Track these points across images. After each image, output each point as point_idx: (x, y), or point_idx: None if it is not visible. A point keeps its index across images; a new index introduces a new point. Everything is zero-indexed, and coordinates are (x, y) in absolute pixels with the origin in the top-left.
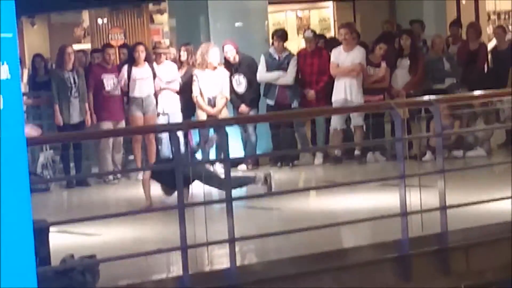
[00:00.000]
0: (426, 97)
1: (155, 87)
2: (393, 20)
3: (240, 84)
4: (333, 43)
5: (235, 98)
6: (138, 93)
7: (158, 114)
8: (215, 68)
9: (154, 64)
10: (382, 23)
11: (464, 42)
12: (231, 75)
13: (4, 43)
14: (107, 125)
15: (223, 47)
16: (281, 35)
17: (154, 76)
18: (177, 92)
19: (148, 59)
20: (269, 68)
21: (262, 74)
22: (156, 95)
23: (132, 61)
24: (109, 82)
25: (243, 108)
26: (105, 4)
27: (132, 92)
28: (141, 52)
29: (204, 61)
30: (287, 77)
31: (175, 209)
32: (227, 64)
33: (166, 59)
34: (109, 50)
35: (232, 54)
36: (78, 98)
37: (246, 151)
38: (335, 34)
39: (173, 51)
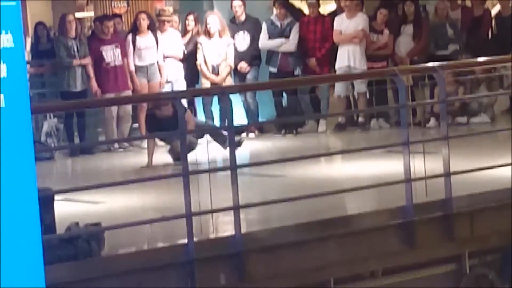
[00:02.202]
0: (430, 64)
1: (158, 55)
2: None
3: (244, 41)
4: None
5: (236, 56)
6: (142, 61)
7: (161, 84)
8: (213, 35)
9: (158, 32)
10: None
11: (468, 8)
12: (236, 32)
13: (8, 12)
14: (110, 96)
15: (231, 3)
16: (283, 2)
17: (157, 45)
18: (181, 60)
19: (151, 27)
20: (271, 36)
21: (264, 42)
22: (159, 63)
23: (135, 29)
24: (109, 53)
25: (242, 64)
26: None
27: (136, 60)
28: (142, 21)
29: (206, 28)
30: (289, 44)
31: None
32: (234, 21)
33: (170, 27)
34: (107, 22)
35: (240, 9)
36: (81, 66)
37: (248, 118)
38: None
39: (175, 18)
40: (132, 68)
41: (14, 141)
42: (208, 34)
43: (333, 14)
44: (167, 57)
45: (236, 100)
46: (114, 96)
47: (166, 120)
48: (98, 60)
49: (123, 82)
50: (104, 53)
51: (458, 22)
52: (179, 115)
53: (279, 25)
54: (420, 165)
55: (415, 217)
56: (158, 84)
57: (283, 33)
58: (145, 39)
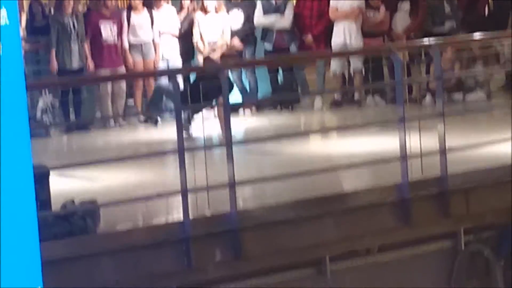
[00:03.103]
0: (426, 40)
1: (153, 32)
2: None
3: (238, 19)
4: None
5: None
6: (136, 38)
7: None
8: (209, 11)
9: (154, 8)
10: None
11: None
12: (230, 9)
13: None
14: (105, 72)
15: None
16: None
17: (153, 22)
18: (177, 37)
19: (147, 4)
20: (266, 12)
21: (259, 19)
22: (154, 41)
23: (130, 6)
24: (107, 29)
25: (236, 42)
26: None
27: (130, 38)
28: None
29: (203, 5)
30: (284, 20)
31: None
32: None
33: (166, 2)
34: None
35: None
36: (78, 43)
37: (245, 96)
38: None
39: None
40: (126, 45)
41: (9, 118)
42: (204, 10)
43: None
44: (162, 33)
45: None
46: (109, 72)
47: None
48: (96, 35)
49: (118, 58)
50: (102, 28)
51: None
52: (174, 92)
53: (274, 1)
54: (415, 142)
55: (410, 195)
56: (153, 62)
57: (278, 10)
58: (139, 17)
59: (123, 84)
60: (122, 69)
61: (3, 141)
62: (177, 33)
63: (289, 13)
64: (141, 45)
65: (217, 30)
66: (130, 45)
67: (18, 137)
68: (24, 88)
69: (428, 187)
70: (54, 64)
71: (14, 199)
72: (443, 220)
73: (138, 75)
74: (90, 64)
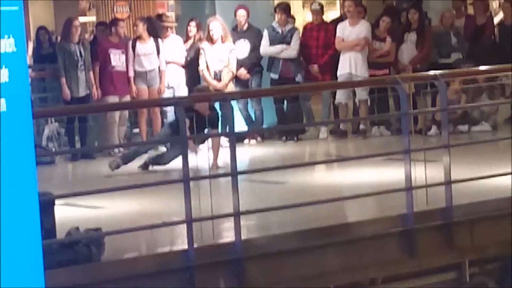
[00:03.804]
0: (431, 72)
1: (160, 61)
2: None
3: (244, 48)
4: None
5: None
6: (141, 67)
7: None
8: (215, 41)
9: (161, 38)
10: None
11: (471, 16)
12: (237, 40)
13: (10, 16)
14: (113, 99)
15: (235, 12)
16: (284, 8)
17: (158, 51)
18: (183, 66)
19: (153, 33)
20: (272, 42)
21: (265, 48)
22: (160, 69)
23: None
24: (116, 57)
25: (242, 71)
26: None
27: (135, 66)
28: (138, 27)
29: (209, 34)
30: (290, 50)
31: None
32: (235, 29)
33: (172, 32)
34: (120, 23)
35: (243, 19)
36: (84, 71)
37: (250, 125)
38: (341, 9)
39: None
40: (131, 74)
41: (15, 146)
42: (210, 40)
43: (336, 21)
44: (169, 62)
45: (235, 108)
46: (118, 99)
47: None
48: (105, 61)
49: (125, 86)
50: (112, 56)
51: (461, 31)
52: (180, 121)
53: (280, 31)
54: (421, 173)
55: (415, 225)
56: (157, 90)
57: (284, 40)
58: (144, 45)
59: (126, 112)
60: (127, 98)
61: (9, 168)
62: (183, 62)
63: (295, 43)
64: (146, 72)
65: (223, 60)
66: (135, 73)
67: (24, 165)
68: (30, 116)
69: (433, 218)
70: (67, 92)
71: (19, 226)
72: (448, 252)
73: (143, 103)
74: (96, 92)
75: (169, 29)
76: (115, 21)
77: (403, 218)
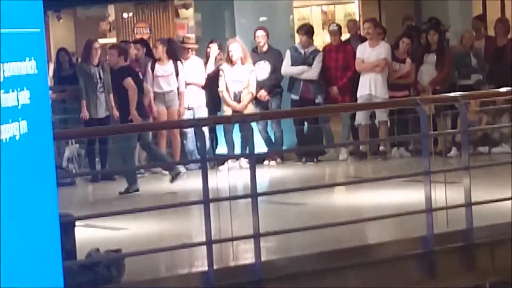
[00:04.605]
0: (452, 94)
1: (178, 82)
2: (414, 16)
3: (264, 70)
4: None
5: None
6: (159, 88)
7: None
8: (235, 62)
9: (181, 59)
10: (402, 19)
11: (491, 37)
12: (257, 61)
13: (32, 38)
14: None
15: (254, 33)
16: (307, 30)
17: (177, 73)
18: (203, 87)
19: (172, 55)
20: (294, 63)
21: (287, 68)
22: (179, 90)
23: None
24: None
25: (262, 93)
26: None
27: (154, 87)
28: (159, 49)
29: (229, 56)
30: (312, 72)
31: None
32: (255, 50)
33: (193, 54)
34: (132, 46)
35: (263, 40)
36: (104, 93)
37: (270, 147)
38: (360, 30)
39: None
40: (151, 95)
41: (36, 167)
42: (230, 61)
43: (347, 42)
44: (189, 84)
45: (255, 129)
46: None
47: None
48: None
49: (145, 108)
50: None
51: (482, 52)
52: (200, 142)
53: (302, 52)
54: (441, 194)
55: (435, 247)
56: (176, 111)
57: (306, 61)
58: (163, 67)
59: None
60: (149, 120)
61: (30, 189)
62: (203, 83)
63: (317, 65)
64: (164, 94)
65: (242, 81)
66: (154, 95)
67: (44, 186)
68: (51, 138)
69: (453, 240)
70: (86, 113)
71: (40, 247)
72: (468, 274)
73: (164, 125)
74: (116, 114)
75: (189, 50)
76: (125, 44)
77: (423, 240)
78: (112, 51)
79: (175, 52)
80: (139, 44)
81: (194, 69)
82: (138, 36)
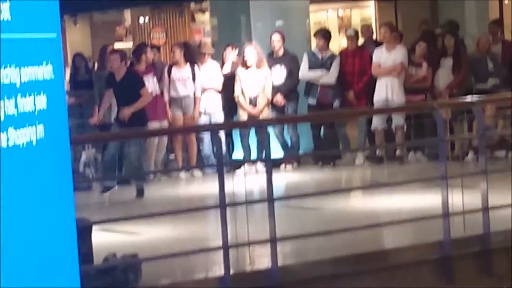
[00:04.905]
0: (468, 98)
1: (195, 86)
2: (431, 20)
3: (280, 74)
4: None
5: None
6: (176, 93)
7: (200, 114)
8: (250, 66)
9: (198, 63)
10: (419, 24)
11: (508, 42)
12: (273, 66)
13: (48, 44)
14: (154, 124)
15: (270, 37)
16: (325, 34)
17: (194, 77)
18: (219, 92)
19: (189, 59)
20: (312, 67)
21: (304, 73)
22: (196, 95)
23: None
24: (150, 82)
25: (278, 97)
26: (147, 3)
27: (171, 91)
28: (175, 52)
29: (244, 60)
30: (329, 76)
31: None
32: (272, 54)
33: (210, 58)
34: (147, 49)
35: (278, 44)
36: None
37: (287, 151)
38: (376, 34)
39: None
40: (167, 99)
41: (53, 172)
42: (245, 65)
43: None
44: (206, 89)
45: (271, 134)
46: (156, 124)
47: None
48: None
49: (162, 111)
50: (145, 82)
51: (499, 56)
52: (217, 147)
53: (320, 57)
54: (458, 199)
55: (452, 252)
56: (193, 116)
57: (324, 65)
58: (180, 71)
59: (165, 138)
60: (165, 123)
61: (47, 194)
62: (220, 88)
63: (335, 69)
64: (181, 99)
65: (258, 85)
66: (170, 99)
67: (61, 191)
68: (68, 142)
69: (471, 245)
70: (95, 119)
71: (57, 252)
72: (485, 279)
73: (180, 130)
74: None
75: (206, 54)
76: (142, 48)
77: (440, 245)
78: (114, 56)
79: (192, 56)
80: (155, 49)
81: (210, 73)
82: (154, 41)
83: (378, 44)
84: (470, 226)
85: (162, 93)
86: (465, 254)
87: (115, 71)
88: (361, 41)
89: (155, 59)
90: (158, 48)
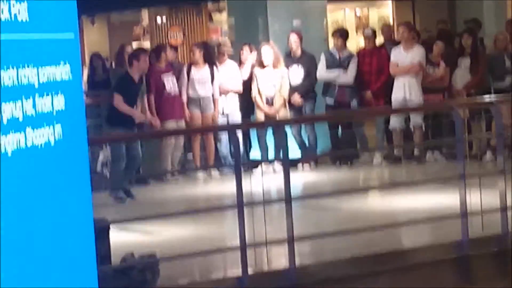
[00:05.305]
0: (486, 97)
1: (213, 87)
2: (448, 19)
3: (298, 74)
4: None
5: (290, 89)
6: (195, 93)
7: (213, 117)
8: (266, 66)
9: (216, 63)
10: (436, 22)
11: None
12: (291, 65)
13: (66, 44)
14: (171, 123)
15: (288, 37)
16: (342, 33)
17: (213, 78)
18: (238, 93)
19: (208, 59)
20: (329, 67)
21: (322, 72)
22: (214, 96)
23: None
24: (169, 82)
25: (296, 97)
26: (164, 2)
27: (189, 91)
28: (195, 53)
29: (260, 60)
30: (347, 76)
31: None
32: (289, 54)
33: (228, 58)
34: (167, 48)
35: (296, 44)
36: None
37: (304, 151)
38: (394, 33)
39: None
40: (185, 99)
41: (71, 172)
42: (262, 65)
43: (382, 47)
44: (225, 90)
45: (289, 133)
46: (173, 123)
47: None
48: (159, 87)
49: (180, 110)
50: (165, 81)
51: None
52: (234, 147)
53: (337, 56)
54: (476, 199)
55: (471, 252)
56: (211, 116)
57: (341, 65)
58: (199, 71)
59: (182, 138)
60: (182, 122)
61: (65, 194)
62: (240, 90)
63: (353, 69)
64: (200, 99)
65: (275, 85)
66: (189, 99)
67: (79, 191)
68: (86, 143)
69: (489, 245)
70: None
71: (74, 252)
72: (504, 279)
73: (198, 130)
74: (151, 117)
75: (225, 55)
76: (162, 47)
77: (458, 245)
78: (144, 57)
79: (211, 56)
80: (173, 49)
81: (229, 74)
82: (171, 41)
83: (397, 43)
84: (488, 226)
85: (180, 92)
86: (483, 254)
87: (142, 72)
88: (380, 40)
89: (172, 59)
90: (176, 48)
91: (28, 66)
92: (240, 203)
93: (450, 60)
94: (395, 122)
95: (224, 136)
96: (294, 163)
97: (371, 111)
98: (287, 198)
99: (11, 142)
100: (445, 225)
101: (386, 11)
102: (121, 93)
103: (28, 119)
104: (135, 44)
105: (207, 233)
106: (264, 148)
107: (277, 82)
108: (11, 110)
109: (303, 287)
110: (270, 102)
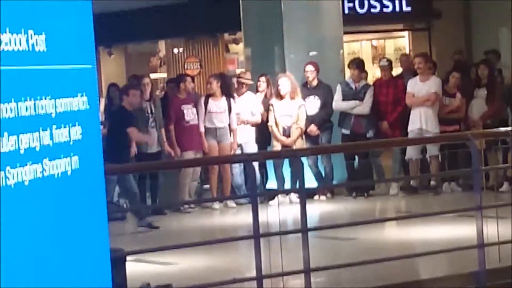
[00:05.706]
0: (503, 128)
1: (230, 118)
2: (464, 50)
3: (314, 105)
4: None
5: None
6: (211, 124)
7: (232, 148)
8: (283, 96)
9: (235, 95)
10: (453, 53)
11: None
12: (307, 96)
13: (83, 75)
14: (189, 154)
15: (304, 68)
16: (358, 64)
17: (230, 109)
18: (257, 125)
19: (226, 91)
20: (345, 97)
21: (338, 103)
22: (231, 126)
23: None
24: (188, 112)
25: (312, 128)
26: (181, 34)
27: (206, 122)
28: (212, 84)
29: (278, 90)
30: (363, 106)
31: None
32: (305, 85)
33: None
34: (188, 79)
35: (312, 74)
36: (156, 127)
37: (320, 181)
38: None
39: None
40: (202, 129)
41: (88, 202)
42: (279, 96)
43: (399, 77)
44: (243, 121)
45: (305, 164)
46: (192, 152)
47: None
48: (179, 118)
49: (199, 141)
50: (185, 112)
51: None
52: (250, 177)
53: (353, 87)
54: (493, 230)
55: (488, 283)
56: (228, 146)
57: (357, 95)
58: (217, 103)
59: (199, 168)
60: (200, 154)
61: (81, 224)
62: (259, 121)
63: (369, 99)
64: (216, 129)
65: (291, 116)
66: (206, 129)
67: (96, 221)
68: (102, 173)
69: (506, 276)
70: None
71: (91, 282)
72: None
73: (214, 160)
74: (174, 150)
75: (244, 86)
76: (182, 77)
77: (475, 276)
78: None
79: (229, 88)
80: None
81: (248, 105)
82: (188, 71)
83: (416, 73)
84: (505, 257)
85: (198, 123)
86: (500, 285)
87: (134, 105)
88: (398, 70)
89: (189, 89)
90: (193, 78)
91: (46, 97)
92: (257, 234)
93: (467, 91)
94: (411, 152)
95: (238, 166)
96: (310, 194)
97: (388, 141)
98: (304, 228)
99: (28, 172)
100: (462, 256)
101: (402, 42)
102: (133, 125)
103: (46, 149)
104: (152, 75)
105: (223, 264)
106: (280, 179)
107: (294, 112)
108: (28, 140)
109: None
110: (287, 133)
